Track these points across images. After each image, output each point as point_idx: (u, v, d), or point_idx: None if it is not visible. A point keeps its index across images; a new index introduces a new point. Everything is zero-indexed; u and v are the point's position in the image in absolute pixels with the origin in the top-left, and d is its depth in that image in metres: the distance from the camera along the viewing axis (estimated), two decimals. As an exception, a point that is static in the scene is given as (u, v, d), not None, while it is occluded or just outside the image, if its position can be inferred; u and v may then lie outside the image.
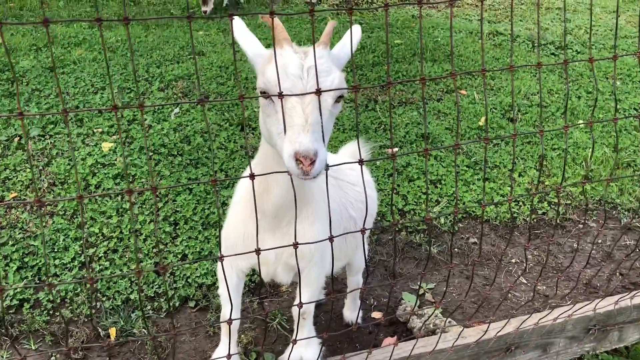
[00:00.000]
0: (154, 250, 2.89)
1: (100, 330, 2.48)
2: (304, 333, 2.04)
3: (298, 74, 1.32)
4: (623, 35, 6.50)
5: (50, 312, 2.54)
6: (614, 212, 3.53)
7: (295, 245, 1.28)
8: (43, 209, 3.09)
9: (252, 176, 1.22)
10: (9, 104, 4.13)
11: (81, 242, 2.88)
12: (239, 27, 1.52)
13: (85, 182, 3.34)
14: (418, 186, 3.52)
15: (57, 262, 2.78)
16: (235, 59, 1.09)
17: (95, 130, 3.84)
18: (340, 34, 1.69)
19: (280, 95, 1.20)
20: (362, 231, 1.36)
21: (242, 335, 2.47)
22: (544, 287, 2.91)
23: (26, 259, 2.78)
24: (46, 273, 2.71)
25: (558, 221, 3.39)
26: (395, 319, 2.65)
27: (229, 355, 1.51)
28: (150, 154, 3.66)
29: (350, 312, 2.64)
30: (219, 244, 2.85)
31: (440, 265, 3.01)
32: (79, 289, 2.63)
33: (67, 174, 3.39)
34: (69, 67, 4.79)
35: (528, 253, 3.15)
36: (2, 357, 2.32)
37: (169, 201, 3.23)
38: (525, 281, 2.96)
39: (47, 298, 2.58)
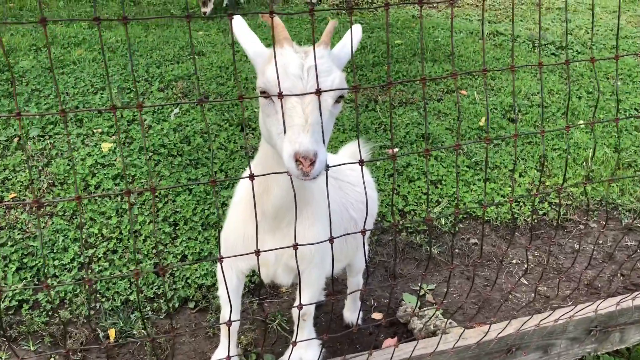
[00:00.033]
0: (154, 251, 2.88)
1: (99, 331, 2.47)
2: (304, 334, 2.03)
3: (298, 74, 1.31)
4: (623, 36, 6.50)
5: (49, 313, 2.53)
6: (615, 212, 3.52)
7: (295, 246, 1.27)
8: (42, 209, 3.08)
9: (252, 177, 1.21)
10: (8, 104, 4.12)
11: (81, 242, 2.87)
12: (240, 26, 1.51)
13: (85, 183, 3.33)
14: (418, 187, 3.52)
15: (56, 262, 2.77)
16: (235, 59, 1.09)
17: (94, 131, 3.83)
18: (341, 34, 1.68)
19: (280, 95, 1.19)
20: (363, 232, 1.35)
21: (242, 337, 2.46)
22: (545, 288, 2.90)
23: (25, 260, 2.77)
24: (45, 274, 2.70)
25: (559, 222, 3.38)
26: (395, 320, 2.64)
27: (228, 357, 1.50)
28: (150, 154, 3.65)
29: (351, 313, 2.63)
30: (218, 245, 2.84)
31: (441, 266, 3.00)
32: (78, 290, 2.62)
33: (66, 175, 3.38)
34: (68, 67, 4.78)
35: (529, 254, 3.14)
36: (1, 358, 2.31)
37: (168, 202, 3.22)
38: (526, 282, 2.96)
39: (46, 299, 2.57)
